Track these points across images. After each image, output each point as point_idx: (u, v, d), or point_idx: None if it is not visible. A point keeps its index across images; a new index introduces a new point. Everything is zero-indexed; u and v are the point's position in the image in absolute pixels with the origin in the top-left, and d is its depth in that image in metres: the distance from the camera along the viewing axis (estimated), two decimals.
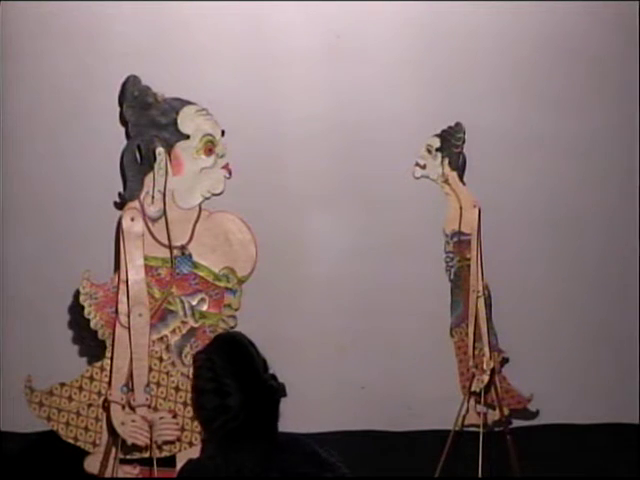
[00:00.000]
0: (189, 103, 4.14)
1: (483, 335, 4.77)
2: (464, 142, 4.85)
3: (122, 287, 4.04)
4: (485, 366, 4.73)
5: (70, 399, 4.05)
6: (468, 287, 4.81)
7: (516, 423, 5.05)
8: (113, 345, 4.04)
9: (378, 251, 5.17)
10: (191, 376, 2.81)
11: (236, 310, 4.20)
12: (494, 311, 4.87)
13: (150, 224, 4.10)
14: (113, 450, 4.05)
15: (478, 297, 4.76)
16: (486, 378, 4.73)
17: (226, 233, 4.20)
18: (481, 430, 4.69)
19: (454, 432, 4.70)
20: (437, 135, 4.87)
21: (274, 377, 2.70)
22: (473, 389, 4.76)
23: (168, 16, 4.93)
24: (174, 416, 4.09)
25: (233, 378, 2.65)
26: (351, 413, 5.12)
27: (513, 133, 5.27)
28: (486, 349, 4.75)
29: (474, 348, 4.79)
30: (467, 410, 4.80)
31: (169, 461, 4.11)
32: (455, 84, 5.20)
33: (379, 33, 5.15)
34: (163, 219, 4.11)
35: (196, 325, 4.15)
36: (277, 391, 2.67)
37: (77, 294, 4.08)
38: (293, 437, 2.72)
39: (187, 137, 4.13)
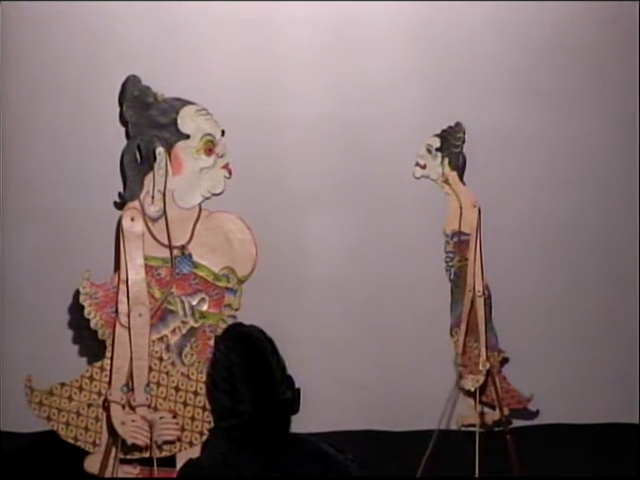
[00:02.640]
0: (189, 103, 4.14)
1: (481, 335, 4.76)
2: (464, 142, 4.84)
3: (122, 287, 4.04)
4: (481, 366, 4.73)
5: (70, 399, 4.05)
6: (468, 287, 4.81)
7: (516, 423, 5.05)
8: (113, 345, 4.04)
9: (378, 251, 5.17)
10: (207, 367, 2.74)
11: (236, 310, 4.20)
12: (494, 311, 4.87)
13: (150, 224, 4.10)
14: (113, 450, 4.05)
15: (477, 297, 4.75)
16: (482, 378, 4.72)
17: (226, 233, 4.20)
18: (477, 430, 4.69)
19: (454, 432, 4.71)
20: (437, 135, 4.86)
21: (291, 383, 2.65)
22: (468, 388, 4.76)
23: (168, 16, 4.93)
24: (174, 416, 4.09)
25: (248, 386, 2.58)
26: (351, 413, 5.12)
27: (513, 133, 5.28)
28: (483, 349, 4.75)
29: (465, 345, 4.79)
30: (467, 410, 4.80)
31: (169, 461, 4.11)
32: (455, 84, 5.20)
33: (379, 32, 5.15)
34: (163, 219, 4.11)
35: (196, 325, 4.15)
36: (291, 406, 2.62)
37: (77, 294, 4.08)
38: (297, 436, 2.69)
39: (187, 137, 4.13)
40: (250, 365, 2.61)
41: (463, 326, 4.78)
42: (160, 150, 4.08)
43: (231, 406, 2.59)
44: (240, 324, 2.79)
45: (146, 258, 4.08)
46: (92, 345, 4.26)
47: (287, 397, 2.61)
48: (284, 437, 2.63)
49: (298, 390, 2.66)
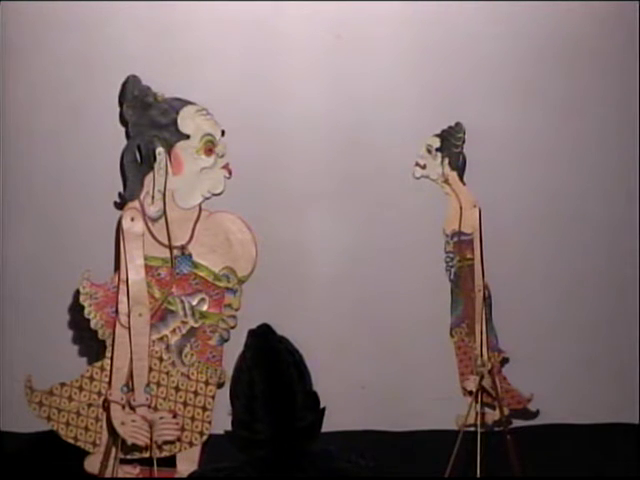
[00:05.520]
0: (189, 103, 4.15)
1: (482, 335, 4.77)
2: (464, 142, 4.85)
3: (122, 287, 4.04)
4: (482, 367, 4.73)
5: (70, 399, 4.06)
6: (468, 287, 4.81)
7: (516, 423, 5.05)
8: (113, 345, 4.05)
9: (378, 251, 5.17)
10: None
11: (236, 310, 4.20)
12: (494, 311, 4.87)
13: (150, 224, 4.10)
14: (113, 450, 4.06)
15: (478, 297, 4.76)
16: (483, 379, 4.73)
17: (226, 233, 4.20)
18: (478, 430, 4.69)
19: (454, 432, 4.71)
20: (437, 135, 4.87)
21: (314, 404, 2.58)
22: (470, 389, 4.77)
23: (168, 16, 4.93)
24: (174, 416, 4.09)
25: (266, 410, 2.51)
26: (351, 413, 5.12)
27: (513, 133, 5.27)
28: (484, 349, 4.75)
29: (466, 346, 4.79)
30: (468, 410, 4.80)
31: (169, 461, 4.11)
32: (455, 84, 5.20)
33: (379, 33, 5.14)
34: (163, 219, 4.12)
35: (196, 325, 4.15)
36: (310, 433, 2.55)
37: (77, 294, 4.08)
38: (309, 452, 2.64)
39: (187, 137, 4.13)
40: (271, 389, 2.54)
41: (478, 326, 4.79)
42: (160, 150, 4.09)
43: (248, 420, 2.53)
44: (272, 331, 2.68)
45: (146, 258, 4.08)
46: (92, 345, 4.26)
47: (306, 423, 2.55)
48: (299, 461, 2.57)
49: (322, 410, 2.60)
